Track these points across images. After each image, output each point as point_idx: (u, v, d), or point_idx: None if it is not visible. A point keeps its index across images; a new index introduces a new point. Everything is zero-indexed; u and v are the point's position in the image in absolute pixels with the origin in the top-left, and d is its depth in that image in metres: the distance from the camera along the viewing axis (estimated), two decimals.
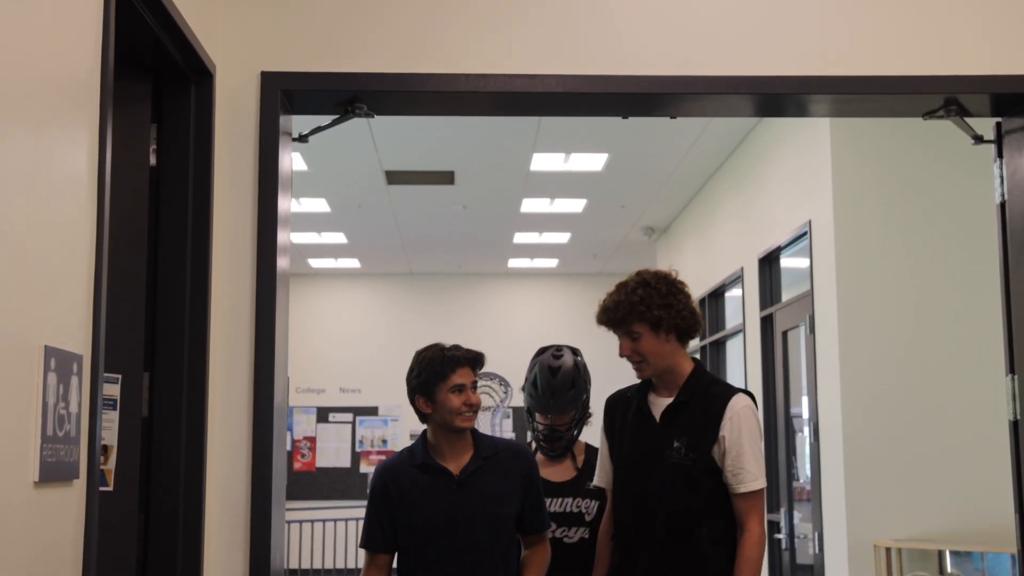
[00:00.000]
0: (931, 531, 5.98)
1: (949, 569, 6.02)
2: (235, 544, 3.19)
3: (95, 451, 2.13)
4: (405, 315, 14.14)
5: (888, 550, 5.86)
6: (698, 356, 10.04)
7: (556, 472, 3.68)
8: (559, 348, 3.73)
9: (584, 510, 3.62)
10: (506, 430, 13.37)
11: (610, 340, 3.30)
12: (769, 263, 7.80)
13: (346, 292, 14.30)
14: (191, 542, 3.00)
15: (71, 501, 2.03)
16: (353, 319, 14.26)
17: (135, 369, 2.91)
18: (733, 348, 9.21)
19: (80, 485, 2.06)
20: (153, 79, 3.08)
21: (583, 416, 3.72)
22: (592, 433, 3.65)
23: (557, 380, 3.61)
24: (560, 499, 3.62)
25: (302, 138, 3.63)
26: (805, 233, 6.73)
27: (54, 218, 2.01)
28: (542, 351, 3.74)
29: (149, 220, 3.03)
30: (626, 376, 3.32)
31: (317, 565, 12.04)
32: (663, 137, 8.06)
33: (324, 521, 11.29)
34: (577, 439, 3.74)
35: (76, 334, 2.08)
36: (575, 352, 3.75)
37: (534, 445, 3.75)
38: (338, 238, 11.88)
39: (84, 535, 2.07)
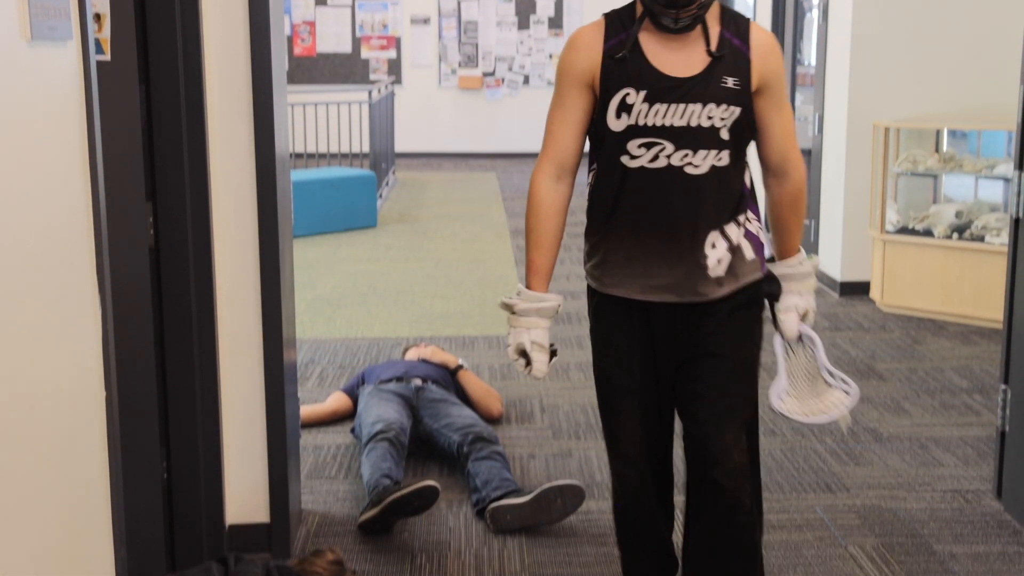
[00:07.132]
0: (931, 112, 6.02)
1: (945, 148, 6.12)
2: (240, 126, 3.20)
3: (86, 13, 2.07)
4: None
5: (887, 130, 5.93)
6: None
7: (675, 61, 2.31)
8: None
9: (716, 122, 2.30)
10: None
11: None
12: None
13: None
14: (194, 108, 3.03)
15: (68, 62, 2.00)
16: None
17: None
18: None
19: (74, 47, 2.03)
20: None
21: None
22: None
23: None
24: (676, 105, 2.29)
25: None
26: None
27: None
28: None
29: None
30: None
31: (323, 149, 12.24)
32: None
33: (327, 104, 11.33)
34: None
35: None
36: None
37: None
38: None
39: (84, 98, 2.06)
